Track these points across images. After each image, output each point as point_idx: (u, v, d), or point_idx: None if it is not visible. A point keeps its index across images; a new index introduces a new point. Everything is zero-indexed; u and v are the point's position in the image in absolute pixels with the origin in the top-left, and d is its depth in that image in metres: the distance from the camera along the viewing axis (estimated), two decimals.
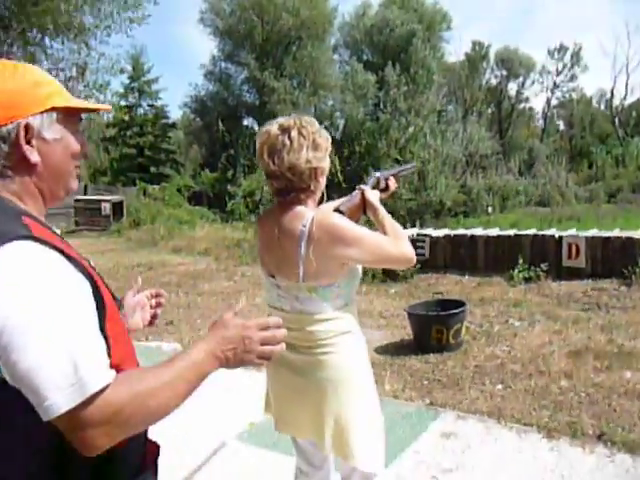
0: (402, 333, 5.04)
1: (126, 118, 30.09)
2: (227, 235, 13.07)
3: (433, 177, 26.65)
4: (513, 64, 44.91)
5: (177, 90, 65.31)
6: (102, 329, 0.85)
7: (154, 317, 1.30)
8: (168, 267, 9.84)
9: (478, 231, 8.28)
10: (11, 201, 0.88)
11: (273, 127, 1.57)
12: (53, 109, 0.92)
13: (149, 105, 32.39)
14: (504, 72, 45.79)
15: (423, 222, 21.32)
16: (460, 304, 4.68)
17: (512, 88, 46.53)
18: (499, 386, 3.63)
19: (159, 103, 32.45)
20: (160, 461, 1.06)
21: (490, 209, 30.05)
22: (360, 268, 1.66)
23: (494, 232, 8.03)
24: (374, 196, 1.75)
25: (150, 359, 2.33)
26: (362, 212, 1.74)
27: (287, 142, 1.53)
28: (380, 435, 1.64)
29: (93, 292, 0.85)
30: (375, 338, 5.09)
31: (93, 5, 9.37)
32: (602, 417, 3.02)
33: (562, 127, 51.11)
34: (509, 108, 46.65)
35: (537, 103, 65.85)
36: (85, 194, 21.02)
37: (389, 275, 8.12)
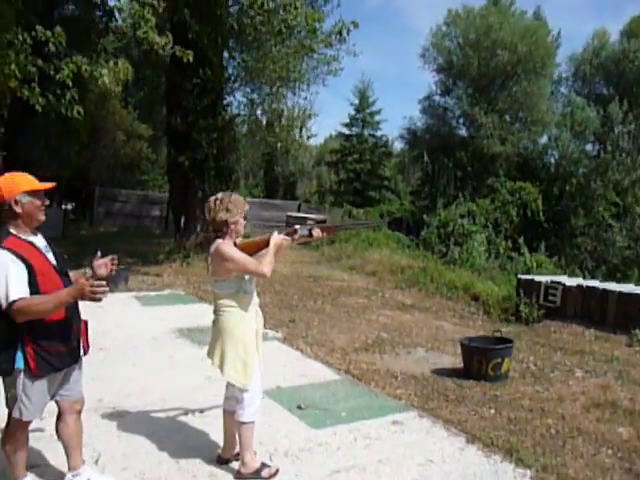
0: None
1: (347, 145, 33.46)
2: (396, 261, 14.23)
3: None
4: None
5: (396, 119, 68.78)
6: (34, 280, 2.33)
7: (112, 270, 2.69)
8: (329, 281, 11.46)
9: (612, 285, 8.00)
10: (8, 231, 2.39)
11: (212, 198, 2.90)
12: (23, 191, 2.40)
13: (370, 134, 35.24)
14: None
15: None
16: (507, 342, 5.16)
17: None
18: (492, 410, 4.19)
19: (379, 133, 35.12)
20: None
21: None
22: (246, 276, 2.86)
23: (629, 288, 7.70)
24: (275, 239, 2.92)
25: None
26: (266, 245, 2.92)
27: (212, 206, 2.85)
28: (247, 367, 2.82)
29: (26, 267, 2.32)
30: (443, 362, 5.81)
31: (298, 60, 11.64)
32: (544, 448, 3.48)
33: None
34: None
35: None
36: (298, 211, 24.38)
37: (517, 316, 8.41)
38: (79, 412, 2.69)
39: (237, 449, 3.04)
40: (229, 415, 2.99)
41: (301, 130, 18.48)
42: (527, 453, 3.34)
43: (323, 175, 44.23)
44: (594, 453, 3.48)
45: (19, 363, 2.35)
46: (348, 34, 9.71)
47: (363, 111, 34.73)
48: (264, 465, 2.91)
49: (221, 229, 2.87)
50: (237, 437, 2.96)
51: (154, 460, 3.04)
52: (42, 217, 2.48)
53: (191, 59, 8.00)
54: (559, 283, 8.28)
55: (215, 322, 2.90)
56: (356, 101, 34.54)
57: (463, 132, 28.20)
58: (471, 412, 4.14)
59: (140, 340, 5.55)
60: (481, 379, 5.00)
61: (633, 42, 25.58)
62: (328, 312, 8.04)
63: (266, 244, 2.92)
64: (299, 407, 3.90)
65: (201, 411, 3.76)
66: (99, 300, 2.25)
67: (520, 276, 9.32)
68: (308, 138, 16.32)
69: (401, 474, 3.00)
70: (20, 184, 2.42)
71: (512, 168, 25.95)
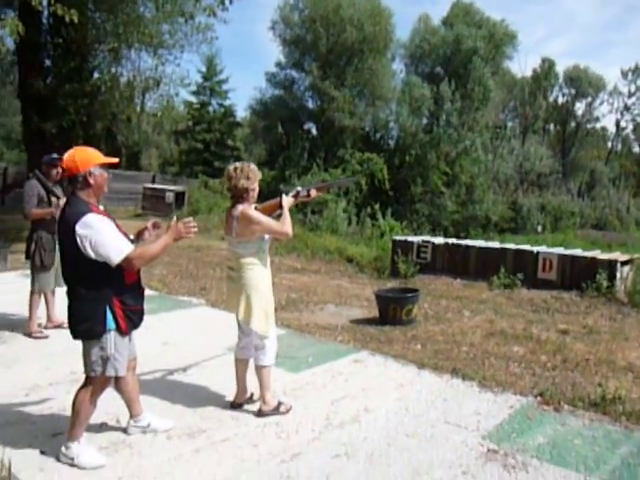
0: (376, 312, 6.46)
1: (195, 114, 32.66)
2: None
3: (481, 192, 27.47)
4: (582, 83, 44.21)
5: (246, 88, 68.27)
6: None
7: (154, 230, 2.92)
8: (213, 250, 11.65)
9: (471, 242, 9.52)
10: (84, 200, 2.54)
11: (231, 166, 3.16)
12: (96, 164, 2.56)
13: (218, 104, 34.75)
14: (572, 91, 45.21)
15: (467, 234, 22.36)
16: (414, 291, 6.08)
17: (580, 108, 45.77)
18: (419, 346, 5.03)
19: (227, 102, 34.79)
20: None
21: (540, 228, 30.39)
22: (267, 236, 3.22)
23: (484, 244, 9.25)
24: (287, 201, 3.30)
25: (183, 307, 4.47)
26: (279, 208, 3.29)
27: (234, 174, 3.11)
28: (268, 317, 3.21)
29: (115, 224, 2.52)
30: (356, 313, 6.56)
31: (173, 26, 11.32)
32: (473, 367, 4.39)
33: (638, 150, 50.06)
34: (575, 128, 46.06)
35: (611, 124, 64.28)
36: (153, 182, 23.45)
37: (394, 273, 9.53)
38: (134, 368, 2.88)
39: (248, 394, 3.40)
40: (242, 363, 3.33)
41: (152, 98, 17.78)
42: (466, 370, 4.20)
43: (163, 144, 42.59)
44: (506, 366, 4.48)
45: (110, 324, 2.52)
46: (231, 3, 9.75)
47: (211, 79, 34.09)
48: (280, 402, 3.32)
49: (242, 195, 3.15)
50: (247, 383, 3.34)
51: (173, 414, 3.25)
52: (106, 189, 2.63)
53: (75, 19, 7.49)
54: (429, 242, 9.58)
55: (237, 279, 3.20)
56: (204, 69, 33.73)
57: (311, 104, 29.30)
58: (404, 348, 4.93)
59: None
60: (397, 324, 5.84)
61: (457, 29, 28.78)
62: None
63: (279, 206, 3.28)
64: None
65: (184, 370, 3.98)
66: (192, 236, 2.62)
67: (395, 237, 10.50)
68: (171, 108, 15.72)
69: (385, 395, 3.64)
70: (93, 157, 2.57)
71: (358, 140, 27.81)
